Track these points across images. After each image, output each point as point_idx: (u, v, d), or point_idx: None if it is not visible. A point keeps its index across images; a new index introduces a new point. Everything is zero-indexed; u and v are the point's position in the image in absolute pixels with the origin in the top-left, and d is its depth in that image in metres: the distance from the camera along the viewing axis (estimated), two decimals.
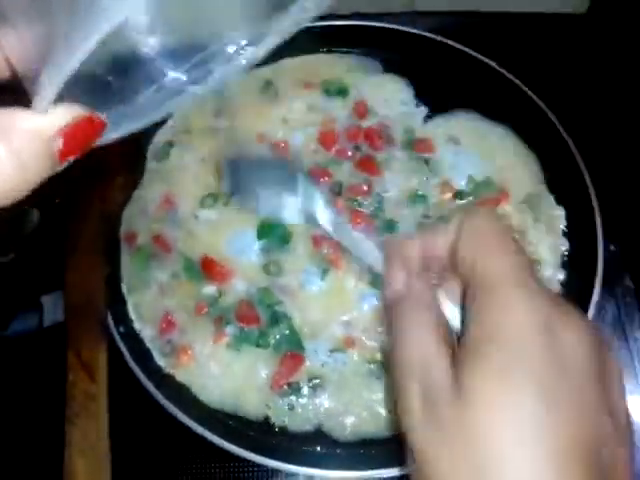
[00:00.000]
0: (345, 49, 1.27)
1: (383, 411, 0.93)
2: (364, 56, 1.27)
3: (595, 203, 1.04)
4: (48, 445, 0.85)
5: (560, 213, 1.09)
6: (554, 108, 1.13)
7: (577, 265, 1.03)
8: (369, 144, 1.16)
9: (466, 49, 1.21)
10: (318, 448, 0.91)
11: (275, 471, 0.92)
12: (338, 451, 0.91)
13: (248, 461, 0.87)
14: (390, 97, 1.22)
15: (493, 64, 1.18)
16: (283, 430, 0.93)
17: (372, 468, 0.86)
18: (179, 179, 1.14)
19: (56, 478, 0.78)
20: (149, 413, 0.91)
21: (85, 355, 0.87)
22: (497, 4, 1.36)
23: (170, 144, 1.18)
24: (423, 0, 1.35)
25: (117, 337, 0.95)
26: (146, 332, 1.00)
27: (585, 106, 1.23)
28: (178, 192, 1.12)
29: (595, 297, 0.95)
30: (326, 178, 1.12)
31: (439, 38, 1.22)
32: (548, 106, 1.13)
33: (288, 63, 1.26)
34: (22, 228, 1.15)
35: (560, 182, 1.11)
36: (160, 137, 1.20)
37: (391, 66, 1.25)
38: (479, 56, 1.20)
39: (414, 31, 1.24)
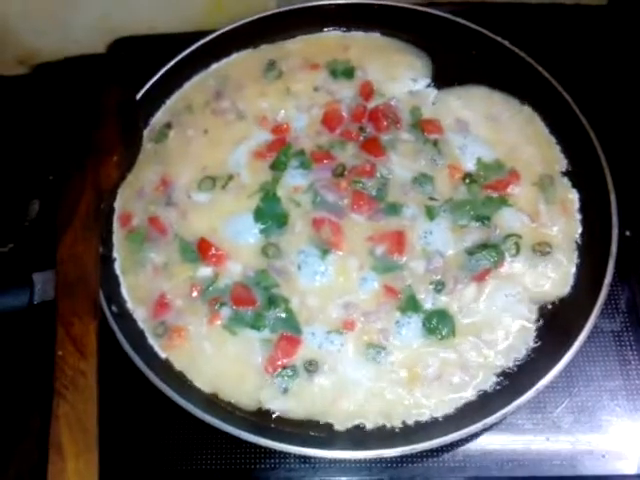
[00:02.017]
0: (352, 28, 1.32)
1: (379, 395, 0.97)
2: (373, 34, 1.32)
3: (611, 187, 1.06)
4: (35, 418, 0.91)
5: (574, 196, 1.12)
6: (573, 93, 1.15)
7: (591, 249, 1.05)
8: (374, 125, 1.20)
9: (481, 29, 1.25)
10: (312, 431, 0.95)
11: (269, 452, 0.96)
12: (332, 433, 0.94)
13: (240, 441, 0.90)
14: (399, 76, 1.26)
15: (506, 43, 1.22)
16: (276, 414, 0.97)
17: (367, 449, 0.89)
18: (177, 160, 1.19)
19: (42, 449, 0.82)
20: (140, 391, 0.96)
21: (75, 331, 0.90)
22: None
23: (168, 126, 1.23)
24: None
25: (109, 316, 0.99)
26: (139, 313, 1.05)
27: (604, 92, 1.26)
28: (176, 174, 1.17)
29: (607, 280, 0.97)
30: (327, 160, 1.16)
31: (454, 18, 1.26)
32: (567, 90, 1.16)
33: (293, 43, 1.32)
34: (22, 219, 1.22)
35: (576, 165, 1.14)
36: (158, 119, 1.26)
37: (402, 45, 1.30)
38: (493, 36, 1.23)
39: (428, 10, 1.28)
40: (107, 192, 1.08)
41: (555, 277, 1.05)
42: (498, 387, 0.96)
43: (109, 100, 1.18)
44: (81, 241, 1.00)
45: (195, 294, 1.06)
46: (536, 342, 1.00)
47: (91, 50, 1.40)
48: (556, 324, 1.00)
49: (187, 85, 1.29)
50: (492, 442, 0.98)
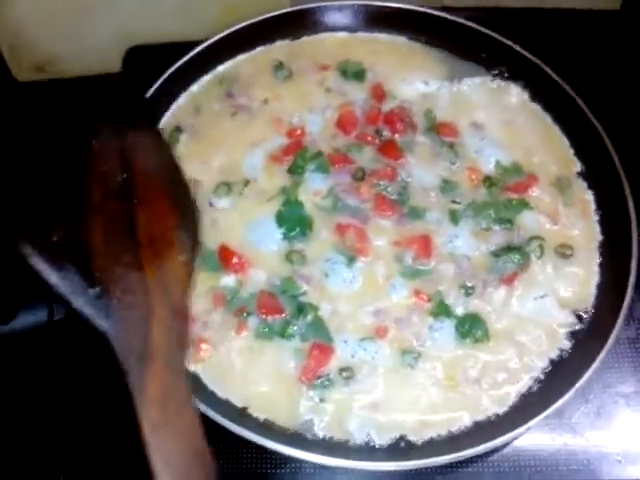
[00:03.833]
0: (362, 29, 1.33)
1: (417, 402, 0.97)
2: (383, 36, 1.33)
3: (627, 190, 1.08)
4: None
5: (590, 197, 1.14)
6: (586, 95, 1.18)
7: (612, 250, 1.08)
8: (390, 128, 1.20)
9: (491, 32, 1.27)
10: (351, 441, 0.94)
11: (287, 457, 0.94)
12: (371, 443, 0.94)
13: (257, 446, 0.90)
14: (410, 78, 1.26)
15: (517, 47, 1.24)
16: (313, 424, 0.95)
17: (408, 459, 0.89)
18: (191, 166, 1.15)
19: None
20: None
21: None
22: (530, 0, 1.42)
23: (179, 129, 1.21)
24: None
25: None
26: None
27: (617, 95, 1.30)
28: (191, 179, 1.15)
29: (632, 279, 1.00)
30: (345, 164, 1.16)
31: (465, 22, 1.28)
32: (579, 92, 1.19)
33: (303, 43, 1.32)
34: None
35: (590, 166, 1.17)
36: (166, 122, 1.23)
37: (413, 46, 1.31)
38: (501, 38, 1.26)
39: (439, 13, 1.30)
40: (181, 305, 0.74)
41: (580, 278, 1.07)
42: (535, 389, 0.97)
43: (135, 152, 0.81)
44: (169, 387, 0.65)
45: (220, 305, 1.03)
46: (569, 342, 1.01)
47: (106, 57, 1.38)
48: (586, 323, 1.03)
49: (195, 87, 1.27)
50: (509, 449, 0.99)
